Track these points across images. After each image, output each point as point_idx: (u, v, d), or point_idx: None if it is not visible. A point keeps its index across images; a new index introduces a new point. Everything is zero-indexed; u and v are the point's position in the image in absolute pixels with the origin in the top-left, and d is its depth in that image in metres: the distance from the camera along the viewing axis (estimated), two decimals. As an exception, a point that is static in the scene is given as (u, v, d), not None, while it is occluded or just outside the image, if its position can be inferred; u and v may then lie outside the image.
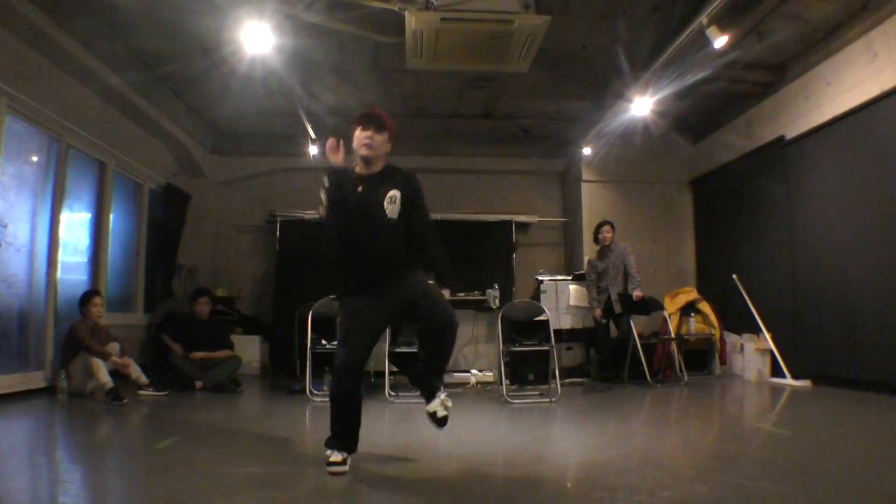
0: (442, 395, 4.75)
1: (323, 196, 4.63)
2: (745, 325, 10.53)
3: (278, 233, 12.71)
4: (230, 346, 9.82)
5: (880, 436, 5.77)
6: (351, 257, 4.66)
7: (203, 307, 9.84)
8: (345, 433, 4.55)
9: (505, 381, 9.01)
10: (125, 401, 7.56)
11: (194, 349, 9.36)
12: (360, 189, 4.64)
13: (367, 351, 4.57)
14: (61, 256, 8.78)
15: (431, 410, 4.74)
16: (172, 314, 10.80)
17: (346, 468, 4.34)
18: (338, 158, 4.68)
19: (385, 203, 4.61)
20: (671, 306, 11.20)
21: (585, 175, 12.76)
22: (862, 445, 5.30)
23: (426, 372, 4.80)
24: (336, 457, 4.40)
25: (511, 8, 7.69)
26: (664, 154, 12.80)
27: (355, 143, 4.72)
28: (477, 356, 10.29)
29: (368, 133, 4.66)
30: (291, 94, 10.04)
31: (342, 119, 11.70)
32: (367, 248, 4.59)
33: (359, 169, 4.77)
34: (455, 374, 9.85)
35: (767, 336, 9.92)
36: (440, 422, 4.72)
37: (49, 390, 8.08)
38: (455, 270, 5.01)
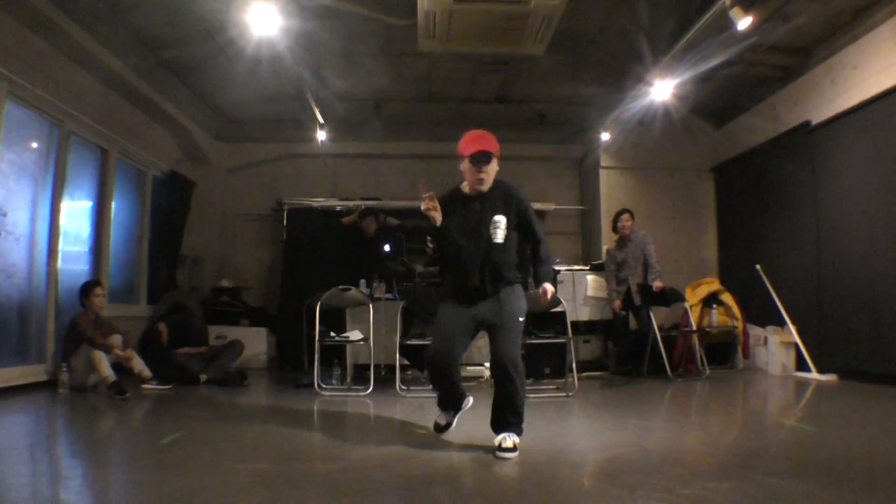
0: (505, 434, 4.83)
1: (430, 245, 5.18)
2: (768, 318, 10.50)
3: (285, 221, 12.78)
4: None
5: (910, 432, 5.76)
6: (456, 271, 5.11)
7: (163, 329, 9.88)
8: (443, 399, 5.42)
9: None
10: (128, 395, 7.59)
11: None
12: (468, 209, 5.07)
13: (451, 343, 5.09)
14: (62, 246, 8.83)
15: (496, 441, 4.82)
16: (177, 305, 10.82)
17: (451, 428, 5.41)
18: (436, 215, 5.02)
19: (490, 227, 5.00)
20: (692, 297, 11.16)
21: (604, 161, 12.75)
22: (891, 442, 5.28)
23: (494, 403, 5.05)
24: (442, 418, 5.43)
25: (527, -12, 7.68)
26: (685, 140, 12.76)
27: (468, 177, 5.07)
28: (489, 349, 10.28)
29: (483, 170, 4.98)
30: (299, 77, 10.03)
31: (351, 104, 11.73)
32: (470, 267, 5.02)
33: (467, 189, 5.14)
34: (469, 368, 9.84)
35: (792, 328, 9.89)
36: (502, 455, 4.70)
37: (50, 384, 8.12)
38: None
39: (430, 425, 5.58)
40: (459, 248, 5.00)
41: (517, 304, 5.09)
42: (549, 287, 5.11)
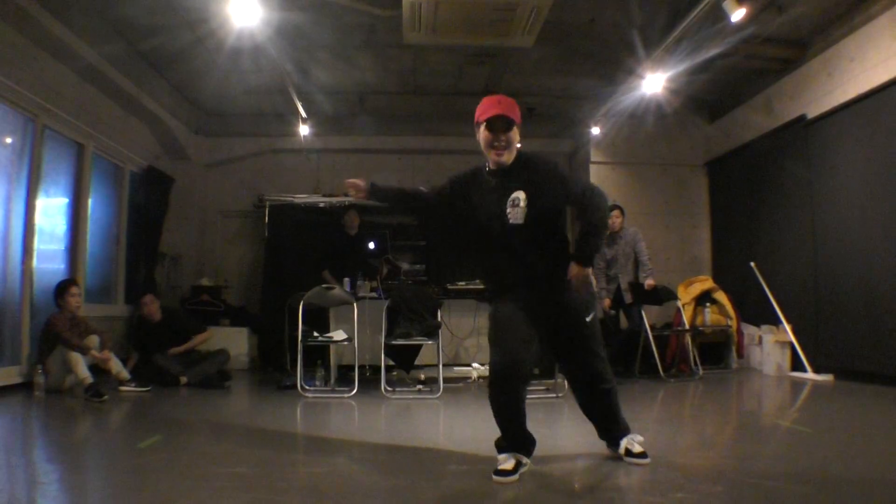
0: (626, 438, 4.59)
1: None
2: (763, 316, 10.53)
3: (267, 218, 12.75)
4: (201, 330, 9.87)
5: (907, 433, 5.79)
6: (486, 263, 4.66)
7: (150, 307, 9.79)
8: (508, 435, 4.39)
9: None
10: (105, 397, 7.55)
11: (156, 351, 9.36)
12: (492, 185, 4.54)
13: (522, 350, 4.29)
14: (37, 244, 8.76)
15: (622, 452, 4.52)
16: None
17: (514, 478, 4.12)
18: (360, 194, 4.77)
19: (507, 207, 4.41)
20: (685, 296, 11.18)
21: (594, 156, 12.77)
22: (888, 444, 5.31)
23: (591, 416, 4.79)
24: (508, 463, 4.21)
25: (515, -22, 7.69)
26: (678, 134, 12.79)
27: (485, 149, 4.53)
28: (479, 349, 10.26)
29: (501, 137, 4.45)
30: (281, 70, 10.01)
31: (334, 97, 11.72)
32: (498, 253, 4.52)
33: (492, 164, 4.58)
34: (455, 369, 9.85)
35: (787, 328, 9.92)
36: (639, 458, 4.45)
37: (25, 386, 8.08)
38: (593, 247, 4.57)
39: (416, 427, 5.59)
40: (484, 235, 4.53)
41: (577, 299, 4.48)
42: (573, 267, 4.43)
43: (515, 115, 4.46)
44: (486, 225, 4.48)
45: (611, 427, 4.67)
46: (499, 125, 4.41)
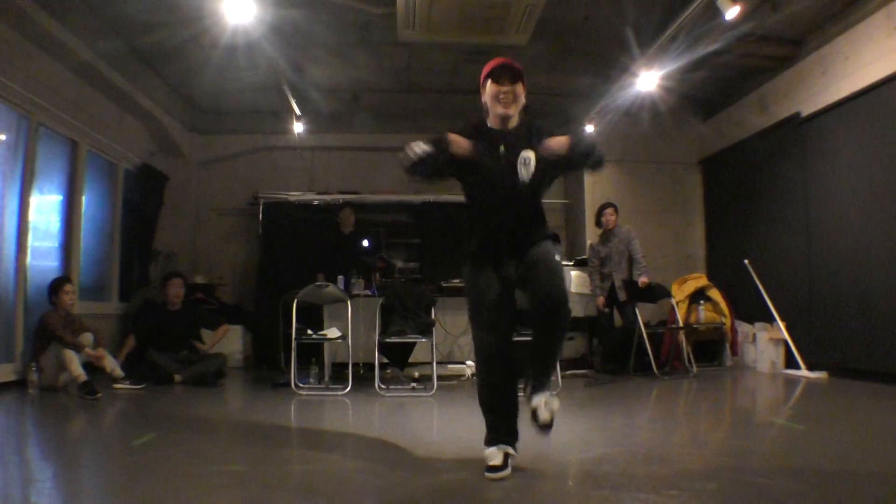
0: (546, 394, 4.24)
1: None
2: (757, 314, 10.54)
3: (261, 216, 12.75)
4: (220, 322, 9.88)
5: (900, 430, 5.80)
6: (484, 220, 4.48)
7: (177, 290, 9.72)
8: (496, 423, 4.35)
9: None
10: (99, 395, 7.54)
11: (168, 343, 9.30)
12: (501, 149, 4.38)
13: (505, 327, 4.35)
14: (31, 242, 8.76)
15: (533, 406, 4.22)
16: (149, 303, 10.82)
17: (506, 472, 4.13)
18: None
19: (519, 166, 4.33)
20: (679, 293, 11.19)
21: (588, 154, 12.71)
22: (881, 441, 5.32)
23: (532, 359, 4.38)
24: (495, 459, 4.17)
25: (509, -25, 7.69)
26: (672, 132, 12.77)
27: (490, 105, 4.46)
28: (472, 347, 10.29)
29: (505, 88, 4.39)
30: (276, 67, 10.00)
31: (329, 95, 11.71)
32: (499, 221, 4.40)
33: (493, 124, 4.52)
34: (449, 366, 9.85)
35: (781, 325, 9.93)
36: (543, 426, 4.19)
37: (20, 384, 8.07)
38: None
39: (410, 424, 5.59)
40: (486, 192, 4.42)
41: (552, 248, 4.36)
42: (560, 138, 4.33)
43: (521, 71, 4.42)
44: (492, 181, 4.37)
45: (548, 376, 4.34)
46: (505, 74, 4.39)
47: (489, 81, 4.42)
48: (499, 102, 4.39)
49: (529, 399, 4.28)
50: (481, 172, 4.39)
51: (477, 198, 4.51)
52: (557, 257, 4.35)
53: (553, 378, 4.48)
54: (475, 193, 4.52)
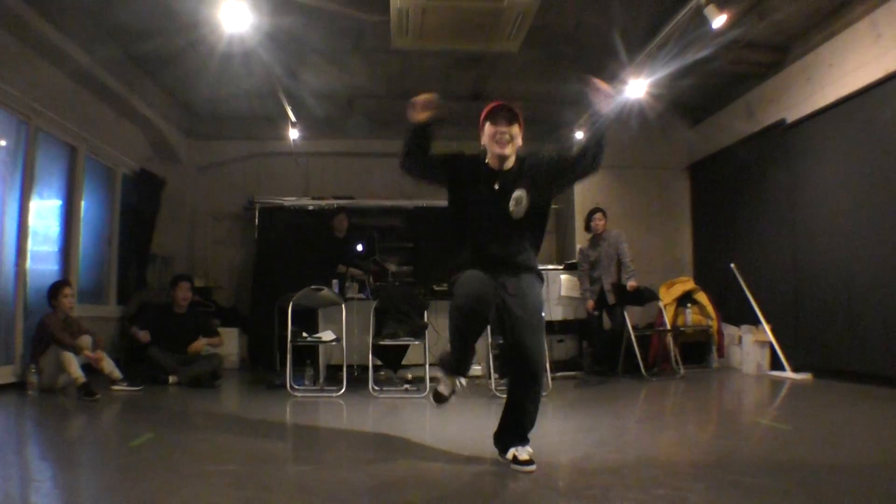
0: (525, 447, 4.43)
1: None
2: (743, 317, 10.56)
3: (257, 220, 12.75)
4: (216, 334, 9.74)
5: (884, 431, 5.80)
6: (473, 245, 4.65)
7: (185, 294, 9.65)
8: (455, 360, 4.64)
9: (494, 375, 8.93)
10: (98, 396, 7.53)
11: (170, 344, 9.25)
12: (496, 187, 4.61)
13: (483, 293, 4.39)
14: (31, 246, 8.74)
15: (512, 455, 4.41)
16: (146, 305, 10.81)
17: (450, 400, 4.77)
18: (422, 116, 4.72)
19: (511, 205, 4.53)
20: (667, 297, 11.21)
21: (578, 160, 12.73)
22: (865, 441, 5.34)
23: (508, 412, 4.63)
24: (446, 387, 4.72)
25: (501, -16, 7.71)
26: (660, 138, 12.80)
27: (488, 144, 4.65)
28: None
29: (503, 129, 4.59)
30: (271, 74, 10.00)
31: (324, 101, 11.71)
32: (490, 246, 4.59)
33: (491, 162, 4.70)
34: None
35: (767, 328, 9.96)
36: (525, 463, 4.32)
37: (19, 385, 8.05)
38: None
39: (403, 426, 5.59)
40: (478, 224, 4.62)
41: (540, 297, 4.64)
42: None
43: (518, 114, 4.61)
44: (484, 215, 4.59)
45: (526, 432, 4.53)
46: (502, 115, 4.57)
47: (487, 123, 4.62)
48: (496, 143, 4.58)
49: (505, 449, 4.50)
50: (476, 206, 4.62)
51: (470, 225, 4.67)
52: (543, 315, 4.60)
53: (529, 432, 4.56)
54: (468, 222, 4.69)
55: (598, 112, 4.62)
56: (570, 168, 4.64)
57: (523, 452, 4.37)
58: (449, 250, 4.83)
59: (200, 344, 9.38)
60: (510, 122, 4.57)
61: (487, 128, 4.63)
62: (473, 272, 4.46)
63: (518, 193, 4.53)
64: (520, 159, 4.71)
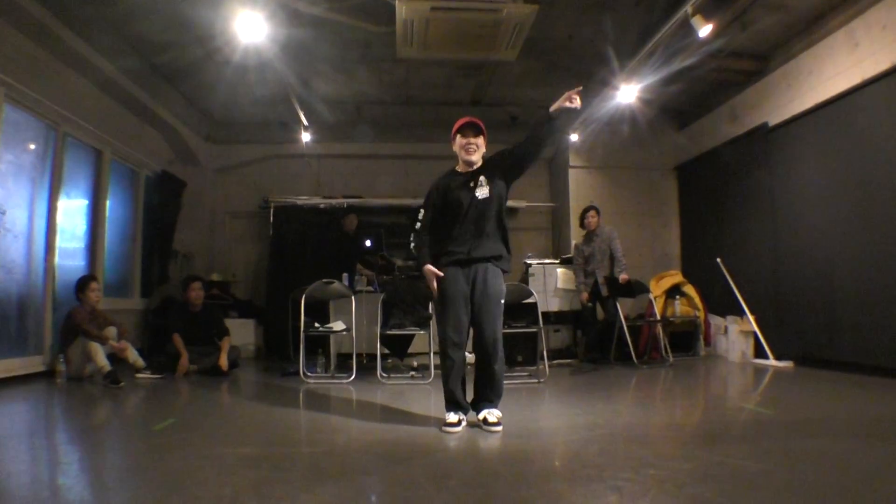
0: (493, 409, 5.22)
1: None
2: (729, 308, 10.55)
3: (272, 218, 12.76)
4: (226, 332, 9.66)
5: (859, 415, 5.80)
6: (452, 230, 5.35)
7: (198, 293, 9.57)
8: (451, 397, 5.25)
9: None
10: (122, 384, 7.56)
11: (190, 340, 9.15)
12: (471, 185, 5.35)
13: (463, 330, 5.26)
14: (59, 242, 8.76)
15: (482, 417, 5.19)
16: (169, 299, 10.82)
17: (458, 429, 5.03)
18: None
19: (477, 191, 5.31)
20: (657, 289, 11.20)
21: (572, 161, 12.76)
22: (842, 424, 5.33)
23: (477, 382, 5.41)
24: (452, 417, 5.13)
25: (499, -3, 7.70)
26: (650, 140, 12.77)
27: (459, 152, 5.45)
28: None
29: (471, 140, 5.39)
30: (284, 82, 10.01)
31: (334, 107, 11.72)
32: (462, 222, 5.31)
33: (461, 168, 5.50)
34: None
35: (751, 318, 9.95)
36: (493, 426, 5.07)
37: (48, 374, 8.09)
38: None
39: (410, 409, 5.59)
40: (456, 210, 5.30)
41: (500, 287, 5.35)
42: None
43: (482, 127, 5.43)
44: (457, 202, 5.30)
45: (491, 395, 5.28)
46: (469, 129, 5.39)
47: (458, 135, 5.43)
48: (465, 151, 5.41)
49: (478, 411, 5.27)
50: (455, 207, 5.33)
51: (448, 224, 5.39)
52: (502, 302, 5.38)
53: (497, 398, 5.32)
54: (449, 219, 5.39)
55: (566, 115, 5.61)
56: (518, 151, 5.36)
57: (492, 416, 5.12)
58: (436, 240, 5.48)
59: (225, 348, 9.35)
60: (476, 135, 5.39)
61: (458, 139, 5.43)
62: (452, 292, 5.27)
63: (482, 179, 5.32)
64: (484, 160, 5.51)
